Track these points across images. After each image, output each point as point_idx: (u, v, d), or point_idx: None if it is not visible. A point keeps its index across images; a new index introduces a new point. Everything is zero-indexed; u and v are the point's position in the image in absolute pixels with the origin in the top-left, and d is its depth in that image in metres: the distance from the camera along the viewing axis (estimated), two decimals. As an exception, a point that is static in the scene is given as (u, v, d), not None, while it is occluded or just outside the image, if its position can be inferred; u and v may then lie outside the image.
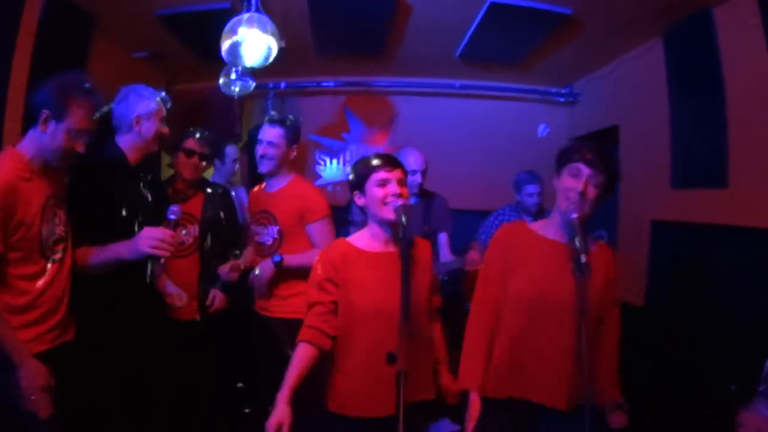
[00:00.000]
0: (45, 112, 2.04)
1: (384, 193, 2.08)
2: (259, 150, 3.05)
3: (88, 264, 2.32)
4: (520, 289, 2.12)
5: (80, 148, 2.14)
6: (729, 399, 2.62)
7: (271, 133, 3.04)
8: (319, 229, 3.01)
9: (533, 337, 2.07)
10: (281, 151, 3.04)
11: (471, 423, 2.11)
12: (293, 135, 3.09)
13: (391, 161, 2.14)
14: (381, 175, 2.10)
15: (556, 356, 2.04)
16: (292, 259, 2.98)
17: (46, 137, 2.07)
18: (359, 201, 2.17)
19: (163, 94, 2.72)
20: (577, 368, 1.94)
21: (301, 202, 3.01)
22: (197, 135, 3.27)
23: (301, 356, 2.03)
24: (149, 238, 2.23)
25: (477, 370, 2.14)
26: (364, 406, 2.07)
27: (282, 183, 3.10)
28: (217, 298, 3.19)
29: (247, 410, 3.71)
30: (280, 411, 1.87)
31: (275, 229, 3.07)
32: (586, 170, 2.02)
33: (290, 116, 3.13)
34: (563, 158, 2.11)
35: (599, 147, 2.10)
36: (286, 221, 3.04)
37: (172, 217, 2.34)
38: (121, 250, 2.29)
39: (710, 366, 3.02)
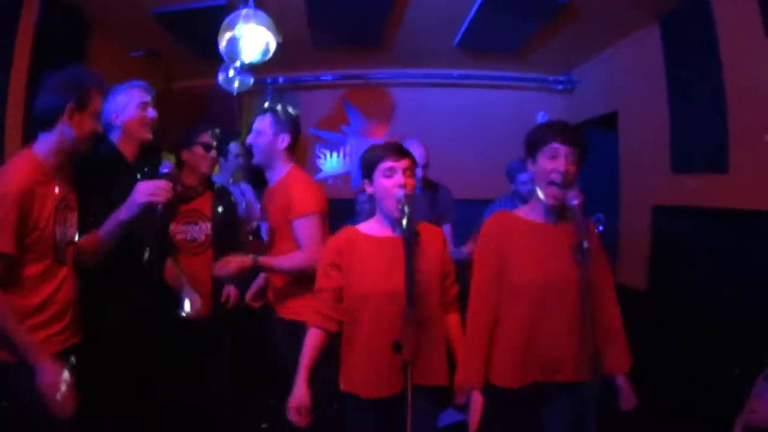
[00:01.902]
0: (70, 106, 2.08)
1: (389, 183, 2.11)
2: (248, 140, 2.94)
3: (99, 242, 2.34)
4: (522, 276, 2.12)
5: (99, 127, 2.24)
6: (732, 382, 2.64)
7: (258, 122, 2.90)
8: (302, 227, 2.70)
9: (543, 321, 2.08)
10: (267, 140, 2.85)
11: (474, 421, 2.10)
12: (283, 124, 2.87)
13: (398, 151, 2.16)
14: (388, 164, 2.12)
15: (563, 335, 2.06)
16: (272, 261, 2.76)
17: (72, 130, 2.11)
18: (368, 189, 2.21)
19: (141, 83, 2.73)
20: (581, 342, 1.98)
21: (286, 198, 2.75)
22: (213, 130, 3.25)
23: (311, 341, 2.15)
24: (145, 188, 2.31)
25: (479, 368, 2.11)
26: (372, 387, 2.11)
27: (278, 175, 2.89)
28: (231, 294, 3.18)
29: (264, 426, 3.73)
30: (299, 392, 1.94)
31: (266, 226, 2.97)
32: (563, 149, 2.01)
33: (289, 107, 2.98)
34: (537, 141, 2.09)
35: (566, 123, 2.13)
36: (273, 218, 2.88)
37: (165, 170, 2.43)
38: (119, 213, 2.33)
39: (712, 349, 3.04)
